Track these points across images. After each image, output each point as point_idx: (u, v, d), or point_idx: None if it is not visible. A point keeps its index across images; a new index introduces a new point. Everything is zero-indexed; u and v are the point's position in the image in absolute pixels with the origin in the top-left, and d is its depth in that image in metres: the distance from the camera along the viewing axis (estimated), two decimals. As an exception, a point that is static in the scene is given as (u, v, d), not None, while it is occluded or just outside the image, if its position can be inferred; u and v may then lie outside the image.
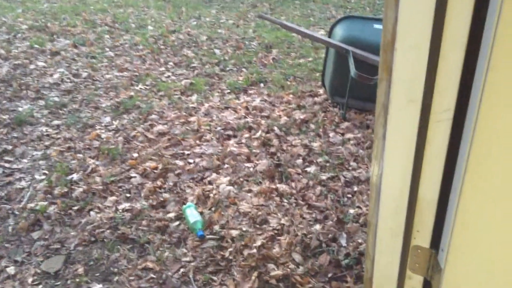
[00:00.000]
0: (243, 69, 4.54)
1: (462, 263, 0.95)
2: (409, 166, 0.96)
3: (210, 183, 2.76)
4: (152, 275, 2.13)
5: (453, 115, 0.83)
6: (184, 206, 2.52)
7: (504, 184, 0.81)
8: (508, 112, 0.72)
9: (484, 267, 0.93)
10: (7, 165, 2.90)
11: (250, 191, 2.69)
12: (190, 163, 2.94)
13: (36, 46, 4.88)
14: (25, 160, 2.95)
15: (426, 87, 0.81)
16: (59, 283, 2.11)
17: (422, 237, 1.05)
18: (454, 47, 0.76)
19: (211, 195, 2.64)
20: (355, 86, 3.36)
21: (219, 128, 3.36)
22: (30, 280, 2.13)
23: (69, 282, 2.11)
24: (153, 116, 3.51)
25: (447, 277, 0.98)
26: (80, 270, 2.17)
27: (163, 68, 4.51)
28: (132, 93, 3.88)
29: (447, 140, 0.87)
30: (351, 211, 2.52)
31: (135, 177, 2.80)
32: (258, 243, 2.29)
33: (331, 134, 3.28)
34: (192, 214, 2.43)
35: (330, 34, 3.67)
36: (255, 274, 2.11)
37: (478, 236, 0.89)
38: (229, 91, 4.01)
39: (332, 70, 3.57)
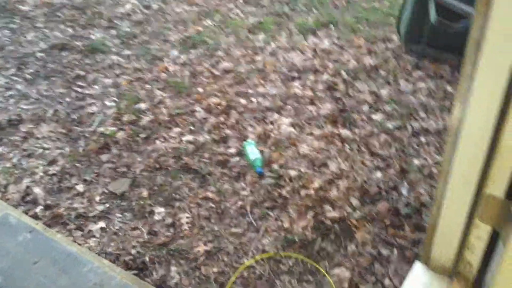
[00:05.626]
0: (314, 10, 4.37)
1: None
2: (494, 110, 0.89)
3: (271, 123, 2.75)
4: (212, 205, 2.21)
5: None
6: (245, 142, 2.54)
7: None
8: None
9: None
10: (79, 90, 3.03)
11: (311, 134, 2.66)
12: (252, 102, 2.93)
13: (109, -24, 4.93)
14: (96, 87, 3.07)
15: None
16: (124, 203, 2.24)
17: (497, 187, 0.99)
18: None
19: (272, 135, 2.64)
20: (434, 33, 3.14)
21: (284, 69, 3.30)
22: (97, 198, 2.27)
23: (133, 203, 2.23)
24: (220, 53, 3.50)
25: (521, 230, 0.93)
26: (145, 193, 2.28)
27: (232, 5, 4.43)
28: (201, 28, 3.87)
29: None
30: (416, 162, 2.43)
31: (199, 111, 2.84)
32: (316, 184, 2.29)
33: (402, 83, 3.13)
34: (253, 152, 2.46)
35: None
36: (311, 213, 2.13)
37: None
38: (297, 31, 3.89)
39: (410, 14, 3.35)
